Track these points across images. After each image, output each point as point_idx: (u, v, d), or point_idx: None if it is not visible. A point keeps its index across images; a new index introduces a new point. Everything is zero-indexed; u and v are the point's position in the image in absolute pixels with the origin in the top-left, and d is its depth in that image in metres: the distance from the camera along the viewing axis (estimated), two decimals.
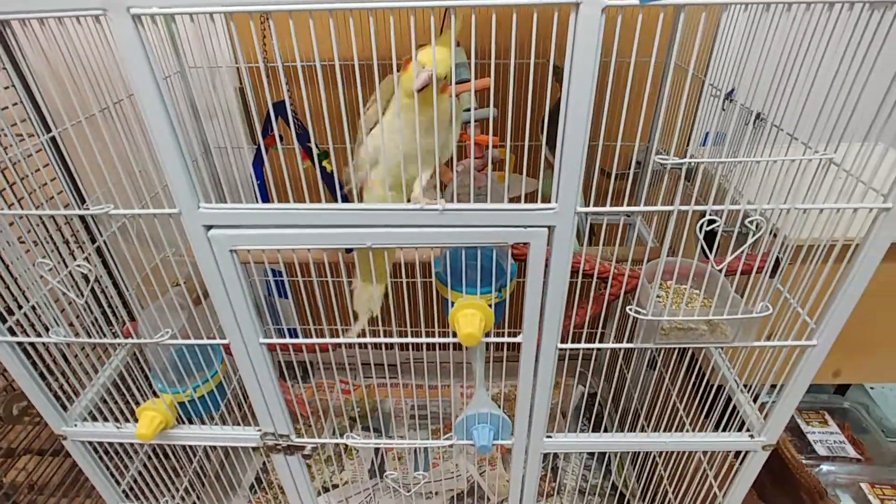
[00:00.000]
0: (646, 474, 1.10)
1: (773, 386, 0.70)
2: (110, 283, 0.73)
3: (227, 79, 1.14)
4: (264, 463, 1.32)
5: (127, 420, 0.76)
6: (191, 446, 1.01)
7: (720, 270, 0.60)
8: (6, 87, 0.70)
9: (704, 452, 0.83)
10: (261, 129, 0.98)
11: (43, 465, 1.22)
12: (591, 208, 0.53)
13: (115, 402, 0.76)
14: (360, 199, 0.65)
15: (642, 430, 1.05)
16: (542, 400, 0.69)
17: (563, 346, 0.64)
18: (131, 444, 0.87)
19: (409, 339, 0.65)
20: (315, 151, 0.89)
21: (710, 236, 0.57)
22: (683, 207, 0.54)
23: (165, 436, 0.75)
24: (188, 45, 0.84)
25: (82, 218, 0.88)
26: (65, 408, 0.76)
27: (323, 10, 0.43)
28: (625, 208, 0.54)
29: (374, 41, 0.44)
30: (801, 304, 0.63)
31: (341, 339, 0.66)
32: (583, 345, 0.64)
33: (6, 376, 1.11)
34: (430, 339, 0.64)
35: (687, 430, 0.79)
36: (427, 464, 1.34)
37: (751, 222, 0.56)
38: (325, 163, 0.92)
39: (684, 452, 0.85)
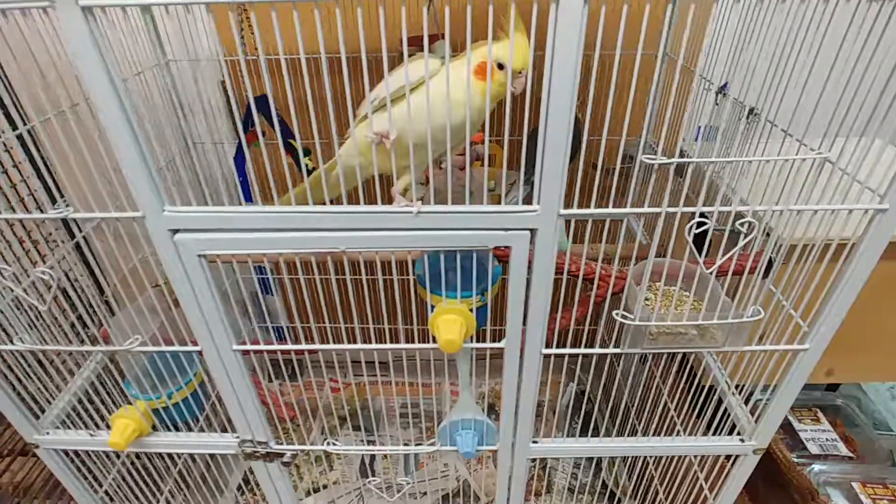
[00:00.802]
0: (637, 474, 1.08)
1: (768, 385, 0.68)
2: (93, 284, 0.70)
3: (208, 73, 1.11)
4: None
5: (99, 427, 0.73)
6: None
7: (711, 273, 0.58)
8: None
9: (695, 455, 0.81)
10: (241, 124, 0.94)
11: (27, 467, 1.20)
12: (575, 210, 0.51)
13: (87, 410, 0.73)
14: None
15: (633, 430, 1.04)
16: (527, 406, 0.67)
17: (549, 350, 0.62)
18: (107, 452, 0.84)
19: (389, 346, 0.62)
20: (300, 150, 0.86)
21: (700, 236, 0.55)
22: (671, 209, 0.51)
23: (140, 443, 0.73)
24: (169, 37, 0.81)
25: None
26: (37, 416, 0.73)
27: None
28: (610, 210, 0.51)
29: (362, 33, 0.41)
30: (794, 307, 0.61)
31: (316, 346, 0.63)
32: (568, 350, 0.62)
33: None
34: (409, 346, 0.61)
35: (678, 434, 0.78)
36: (416, 463, 1.33)
37: (742, 223, 0.54)
38: (307, 160, 0.89)
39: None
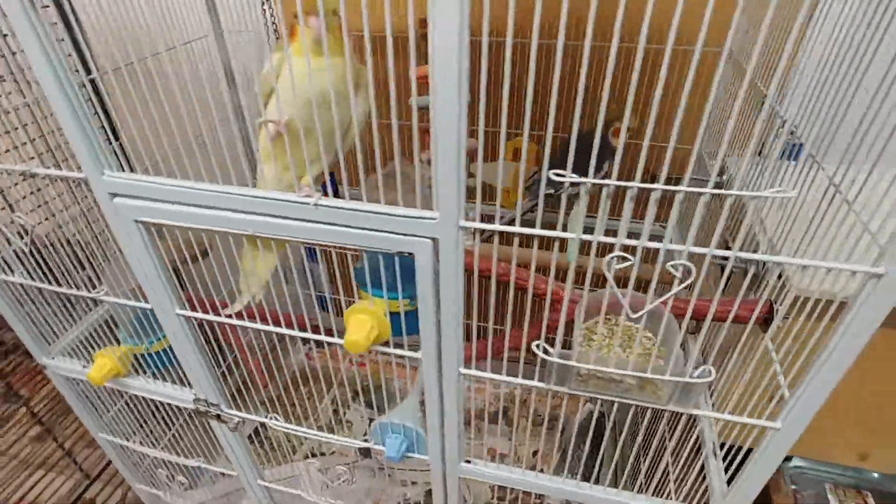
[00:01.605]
0: None
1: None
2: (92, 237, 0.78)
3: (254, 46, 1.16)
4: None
5: (91, 363, 0.82)
6: None
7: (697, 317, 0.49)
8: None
9: None
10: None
11: None
12: (477, 224, 0.45)
13: (88, 347, 0.82)
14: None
15: (630, 472, 0.94)
16: (452, 426, 0.63)
17: (467, 370, 0.57)
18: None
19: (316, 335, 0.61)
20: None
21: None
22: (633, 242, 0.43)
23: (116, 382, 0.80)
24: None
25: None
26: (49, 343, 0.84)
27: None
28: (558, 233, 0.44)
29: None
30: (785, 373, 0.50)
31: (255, 324, 0.64)
32: (489, 374, 0.57)
33: None
34: (323, 337, 0.60)
35: (640, 490, 0.68)
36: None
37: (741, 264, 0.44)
38: None
39: None
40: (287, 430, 0.74)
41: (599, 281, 0.41)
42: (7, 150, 0.65)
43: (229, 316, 0.64)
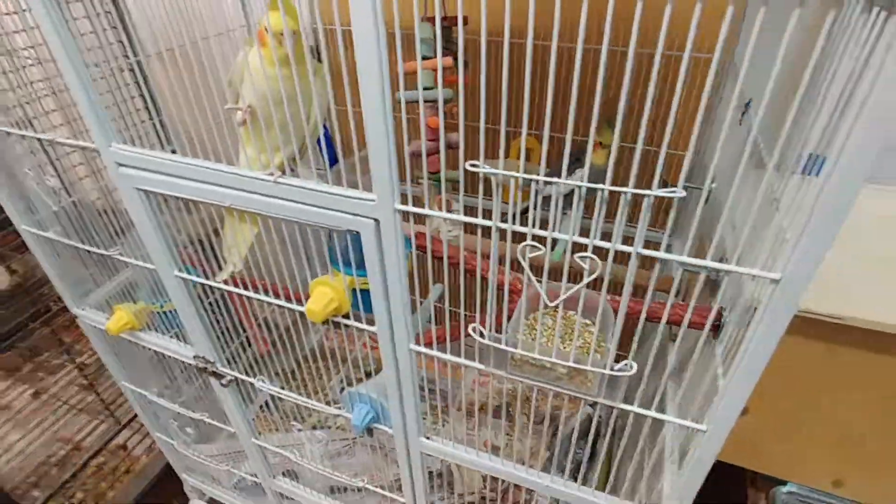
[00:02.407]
0: None
1: None
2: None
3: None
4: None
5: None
6: None
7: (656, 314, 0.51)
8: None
9: None
10: None
11: None
12: (411, 207, 0.49)
13: (111, 302, 0.92)
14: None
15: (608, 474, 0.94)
16: (410, 401, 0.67)
17: (416, 347, 0.60)
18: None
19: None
20: None
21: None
22: (561, 235, 0.46)
23: (130, 334, 0.90)
24: None
25: None
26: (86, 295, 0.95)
27: None
28: (455, 216, 0.48)
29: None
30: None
31: (250, 293, 0.70)
32: (435, 352, 0.60)
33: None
34: (283, 302, 0.65)
35: (592, 485, 0.69)
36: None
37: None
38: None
39: None
40: (272, 393, 0.81)
41: (577, 277, 0.43)
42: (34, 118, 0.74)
43: (224, 282, 0.71)
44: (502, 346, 0.52)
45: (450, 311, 1.26)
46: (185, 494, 1.37)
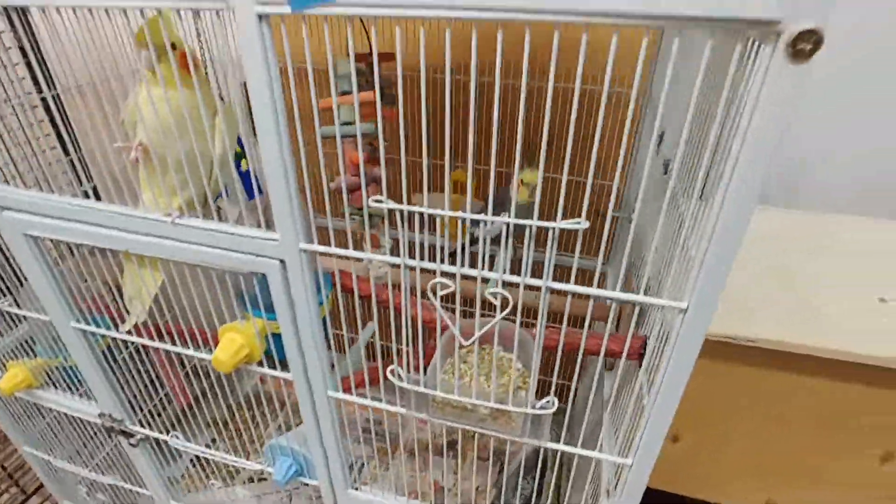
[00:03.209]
0: None
1: None
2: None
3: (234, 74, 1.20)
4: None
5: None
6: None
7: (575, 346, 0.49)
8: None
9: None
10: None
11: None
12: (316, 246, 0.46)
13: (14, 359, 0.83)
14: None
15: None
16: (333, 452, 0.62)
17: (335, 394, 0.57)
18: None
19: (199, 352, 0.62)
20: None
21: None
22: (469, 271, 0.44)
23: (27, 393, 0.81)
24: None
25: None
26: None
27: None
28: (357, 252, 0.46)
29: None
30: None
31: (166, 345, 0.64)
32: (355, 398, 0.56)
33: None
34: (187, 350, 0.60)
35: None
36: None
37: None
38: (242, 161, 0.92)
39: None
40: (187, 450, 0.74)
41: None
42: None
43: (129, 332, 0.65)
44: (421, 389, 0.50)
45: (386, 347, 1.22)
46: None
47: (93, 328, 0.66)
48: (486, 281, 0.44)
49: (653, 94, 0.85)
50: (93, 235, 0.55)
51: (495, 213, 0.40)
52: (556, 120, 0.89)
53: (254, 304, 0.57)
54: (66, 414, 0.94)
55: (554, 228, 0.39)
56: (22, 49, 0.99)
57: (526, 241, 0.39)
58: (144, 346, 0.71)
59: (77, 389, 0.82)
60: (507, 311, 0.44)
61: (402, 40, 0.36)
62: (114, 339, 0.69)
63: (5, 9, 0.45)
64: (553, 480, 1.03)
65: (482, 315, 0.48)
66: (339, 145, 0.47)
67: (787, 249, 0.71)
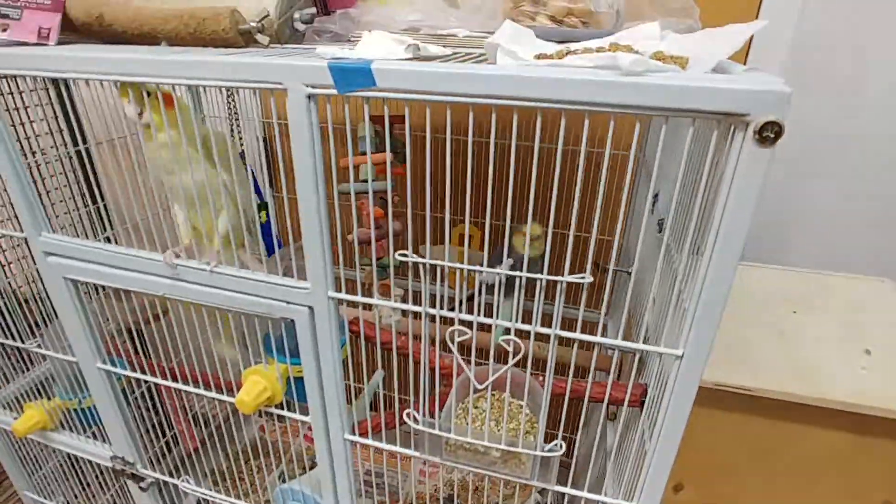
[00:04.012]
0: None
1: None
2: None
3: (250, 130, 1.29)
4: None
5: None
6: None
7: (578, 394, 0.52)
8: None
9: None
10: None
11: None
12: (344, 294, 0.50)
13: (20, 400, 0.85)
14: None
15: None
16: (346, 497, 0.64)
17: (352, 437, 0.59)
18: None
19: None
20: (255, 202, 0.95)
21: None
22: (485, 320, 0.48)
23: (40, 435, 0.82)
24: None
25: None
26: None
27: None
28: (380, 301, 0.50)
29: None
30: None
31: (180, 385, 0.67)
32: (371, 441, 0.59)
33: None
34: (214, 394, 0.63)
35: None
36: None
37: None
38: (262, 213, 0.98)
39: None
40: (199, 495, 0.75)
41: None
42: None
43: (147, 369, 0.68)
44: (436, 432, 0.53)
45: (390, 397, 1.24)
46: None
47: (118, 370, 0.69)
48: (462, 334, 0.48)
49: (646, 155, 0.92)
50: (134, 280, 0.59)
51: (500, 265, 0.45)
52: (563, 180, 0.97)
53: (279, 350, 0.60)
54: (67, 459, 0.95)
55: (561, 282, 0.43)
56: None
57: (537, 293, 0.44)
58: (157, 390, 0.74)
59: (84, 432, 0.83)
60: (518, 358, 0.47)
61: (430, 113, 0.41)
62: (128, 382, 0.72)
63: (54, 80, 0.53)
64: None
65: (489, 363, 0.52)
66: (351, 199, 0.53)
67: (778, 305, 0.76)
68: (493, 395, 0.62)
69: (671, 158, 0.78)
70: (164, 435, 0.89)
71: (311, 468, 1.37)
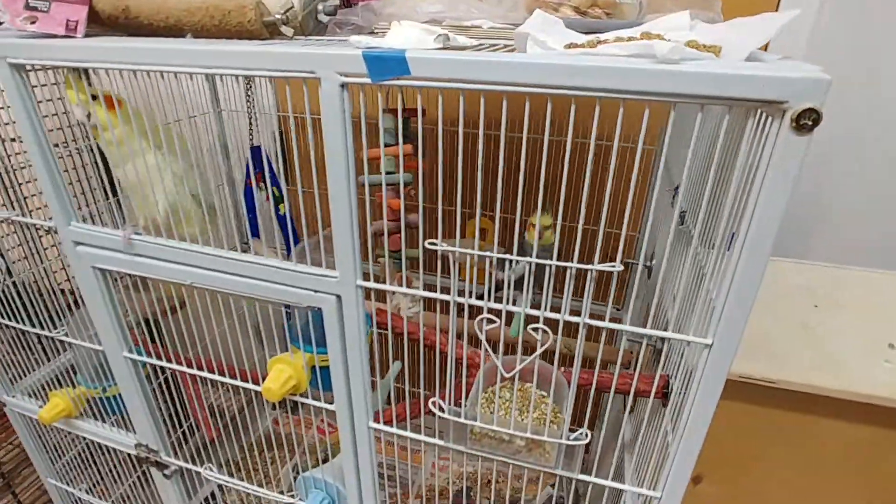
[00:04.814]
0: None
1: None
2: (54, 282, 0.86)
3: (264, 124, 1.30)
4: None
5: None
6: None
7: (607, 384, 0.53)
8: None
9: None
10: (244, 169, 1.09)
11: None
12: (372, 283, 0.51)
13: (45, 389, 0.87)
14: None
15: None
16: (368, 485, 0.65)
17: (376, 425, 0.60)
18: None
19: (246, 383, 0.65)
20: (273, 194, 0.96)
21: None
22: (515, 308, 0.49)
23: (65, 423, 0.83)
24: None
25: None
26: (14, 382, 0.88)
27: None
28: (406, 290, 0.50)
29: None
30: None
31: (205, 374, 0.68)
32: (395, 430, 0.60)
33: None
34: (239, 382, 0.64)
35: None
36: None
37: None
38: (280, 205, 0.99)
39: None
40: (219, 481, 0.76)
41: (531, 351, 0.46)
42: None
43: (180, 362, 0.69)
44: (462, 420, 0.53)
45: (408, 390, 1.24)
46: None
47: (143, 358, 0.70)
48: (508, 323, 0.49)
49: (663, 148, 0.92)
50: (161, 270, 0.60)
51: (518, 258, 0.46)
52: (574, 173, 0.97)
53: (304, 339, 0.61)
54: (87, 448, 0.96)
55: (591, 270, 0.44)
56: None
57: (567, 282, 0.44)
58: (182, 377, 0.75)
59: (106, 420, 0.85)
60: (545, 347, 0.48)
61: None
62: (148, 370, 0.73)
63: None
64: None
65: (513, 354, 0.53)
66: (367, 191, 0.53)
67: (800, 299, 0.75)
68: (518, 385, 0.62)
69: (681, 148, 0.78)
70: (180, 425, 0.90)
71: (325, 460, 1.38)
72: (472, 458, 0.58)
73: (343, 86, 0.43)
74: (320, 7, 0.65)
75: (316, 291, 0.53)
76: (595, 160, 0.40)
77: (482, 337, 0.48)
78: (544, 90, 0.38)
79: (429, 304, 0.57)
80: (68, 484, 0.98)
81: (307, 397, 0.63)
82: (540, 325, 0.46)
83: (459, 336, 0.63)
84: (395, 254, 0.85)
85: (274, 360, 0.61)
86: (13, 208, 0.74)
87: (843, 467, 0.64)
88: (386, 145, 0.83)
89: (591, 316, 0.47)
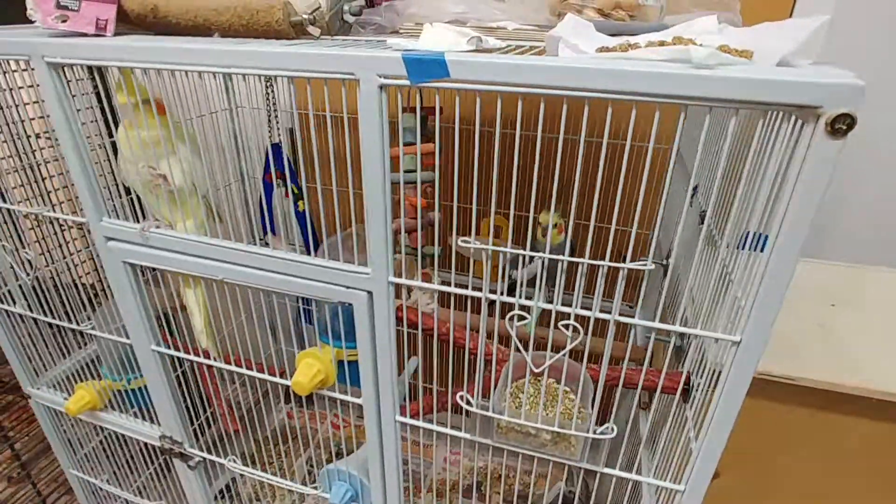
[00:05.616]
0: None
1: None
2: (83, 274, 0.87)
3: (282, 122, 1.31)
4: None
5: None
6: None
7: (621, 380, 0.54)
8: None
9: None
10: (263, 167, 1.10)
11: None
12: (404, 280, 0.52)
13: (71, 380, 0.88)
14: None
15: None
16: (392, 478, 0.66)
17: (403, 419, 0.61)
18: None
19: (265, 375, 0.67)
20: (293, 191, 0.97)
21: None
22: (546, 305, 0.50)
23: (90, 415, 0.85)
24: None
25: None
26: (38, 373, 0.90)
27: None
28: (437, 287, 0.52)
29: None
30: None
31: (232, 367, 0.69)
32: (421, 423, 0.61)
33: None
34: (266, 376, 0.65)
35: None
36: None
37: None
38: (299, 202, 1.00)
39: None
40: (242, 472, 0.78)
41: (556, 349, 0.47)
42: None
43: (198, 354, 0.71)
44: (491, 414, 0.54)
45: (435, 387, 1.26)
46: None
47: (171, 351, 0.71)
48: (521, 318, 0.50)
49: (680, 149, 0.92)
50: (189, 265, 0.61)
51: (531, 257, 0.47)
52: (587, 171, 0.98)
53: (333, 334, 0.62)
54: (107, 439, 0.98)
55: (623, 268, 0.45)
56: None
57: (598, 280, 0.45)
58: (201, 370, 0.76)
59: (127, 412, 0.86)
60: (575, 343, 0.49)
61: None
62: (171, 361, 0.74)
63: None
64: None
65: (537, 350, 0.54)
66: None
67: (817, 298, 0.76)
68: (540, 380, 0.63)
69: (692, 149, 0.79)
70: (197, 418, 0.92)
71: (338, 454, 1.40)
72: (484, 453, 0.59)
73: (381, 87, 0.44)
74: (346, 7, 0.66)
75: (348, 287, 0.54)
76: (610, 159, 0.41)
77: (513, 333, 0.49)
78: (583, 94, 0.39)
79: (442, 300, 0.58)
80: (87, 474, 1.00)
81: (335, 391, 0.64)
82: (571, 321, 0.47)
83: (485, 333, 0.64)
84: (413, 251, 0.86)
85: (302, 355, 0.63)
86: (43, 203, 0.75)
87: (862, 463, 0.65)
88: (406, 144, 0.84)
89: (638, 309, 0.48)
